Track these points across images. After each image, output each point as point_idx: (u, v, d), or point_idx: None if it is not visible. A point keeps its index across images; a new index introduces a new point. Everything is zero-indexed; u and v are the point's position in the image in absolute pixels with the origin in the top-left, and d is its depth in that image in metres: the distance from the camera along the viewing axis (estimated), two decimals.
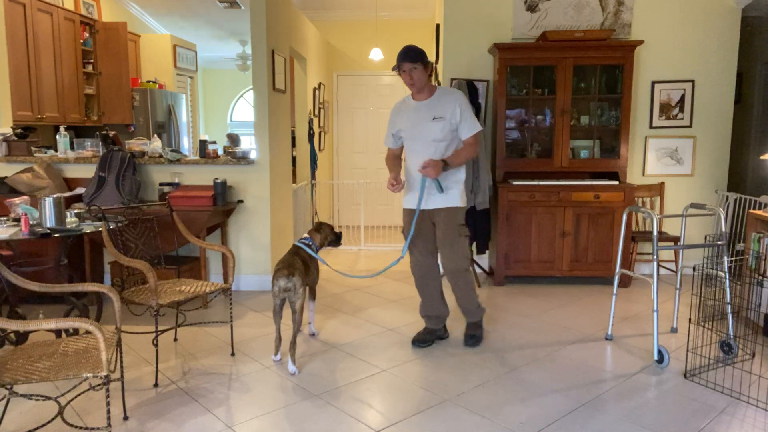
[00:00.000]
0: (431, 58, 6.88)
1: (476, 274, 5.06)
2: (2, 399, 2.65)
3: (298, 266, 3.19)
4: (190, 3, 7.06)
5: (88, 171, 4.60)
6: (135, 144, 4.70)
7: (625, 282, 4.86)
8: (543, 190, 4.72)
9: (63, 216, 3.33)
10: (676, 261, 5.00)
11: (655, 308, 3.22)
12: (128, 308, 4.14)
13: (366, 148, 8.03)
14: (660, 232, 5.09)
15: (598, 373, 3.14)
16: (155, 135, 5.97)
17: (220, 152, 4.79)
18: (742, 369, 3.19)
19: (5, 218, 3.52)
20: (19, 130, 4.64)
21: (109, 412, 2.26)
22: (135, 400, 2.82)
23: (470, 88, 4.72)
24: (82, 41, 5.83)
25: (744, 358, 3.34)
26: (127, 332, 3.74)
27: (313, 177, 6.87)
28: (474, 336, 3.55)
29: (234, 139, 5.07)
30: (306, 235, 3.55)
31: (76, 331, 3.36)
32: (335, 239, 3.66)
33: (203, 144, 4.67)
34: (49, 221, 3.27)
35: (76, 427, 2.54)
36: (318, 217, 7.15)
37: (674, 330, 3.80)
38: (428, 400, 2.83)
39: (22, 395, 2.75)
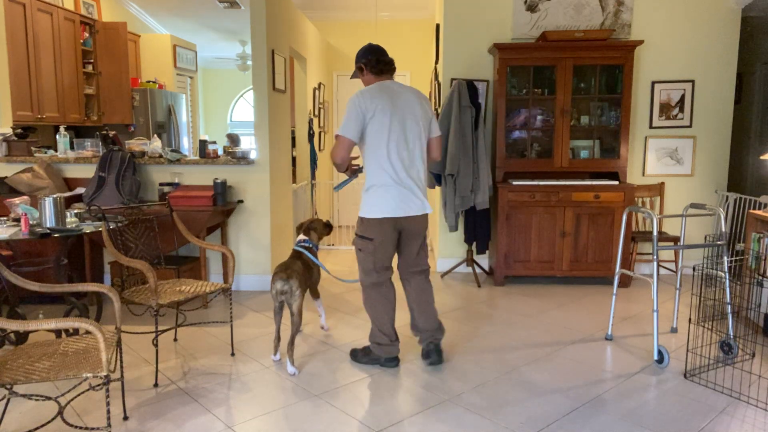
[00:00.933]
0: (431, 57, 6.91)
1: (476, 274, 5.06)
2: (2, 399, 2.66)
3: (296, 269, 3.20)
4: (190, 3, 7.06)
5: (88, 171, 4.61)
6: (135, 144, 4.70)
7: (625, 282, 4.86)
8: (543, 190, 4.72)
9: (63, 216, 3.33)
10: (676, 261, 5.00)
11: (655, 308, 3.22)
12: (128, 308, 4.15)
13: None
14: (660, 232, 5.09)
15: (598, 373, 3.14)
16: (155, 135, 5.97)
17: (220, 152, 4.79)
18: (742, 369, 3.19)
19: (5, 218, 3.52)
20: (19, 130, 4.64)
21: (109, 412, 2.26)
22: (135, 400, 2.82)
23: (470, 88, 4.72)
24: (82, 41, 5.83)
25: (744, 358, 3.34)
26: (127, 332, 3.74)
27: (313, 177, 6.87)
28: (354, 353, 3.35)
29: (234, 139, 5.08)
30: (303, 237, 3.55)
31: (76, 331, 3.36)
32: (328, 230, 3.72)
33: (203, 144, 4.67)
34: (49, 221, 3.27)
35: (76, 427, 2.54)
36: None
37: (674, 330, 3.80)
38: (428, 400, 2.83)
39: (22, 395, 2.76)
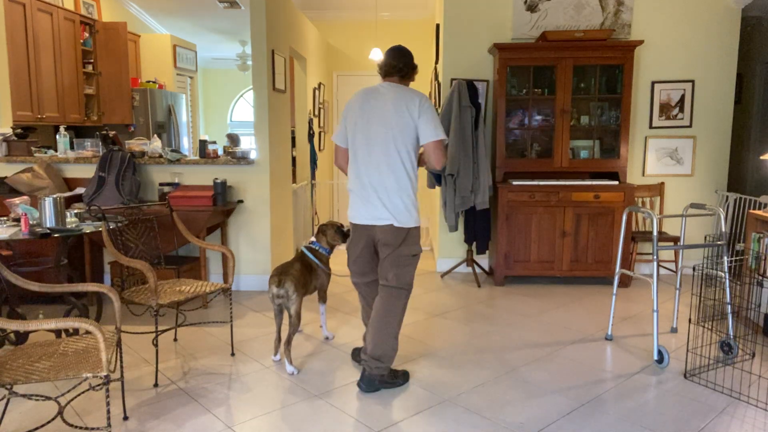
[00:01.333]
0: (431, 57, 6.92)
1: (476, 274, 5.06)
2: (2, 399, 2.65)
3: (293, 272, 3.19)
4: (190, 3, 7.06)
5: (88, 171, 4.61)
6: (135, 144, 4.70)
7: (625, 282, 4.86)
8: (543, 190, 4.72)
9: (63, 216, 3.33)
10: (676, 261, 5.00)
11: (655, 308, 3.22)
12: (128, 308, 4.15)
13: None
14: (660, 232, 5.09)
15: (598, 373, 3.14)
16: (155, 135, 5.97)
17: (220, 152, 4.79)
18: (742, 369, 3.19)
19: (5, 218, 3.52)
20: (19, 130, 4.64)
21: (109, 412, 2.26)
22: (135, 400, 2.82)
23: (470, 88, 4.72)
24: (82, 41, 5.83)
25: (744, 358, 3.34)
26: (127, 332, 3.74)
27: (313, 177, 6.87)
28: (356, 352, 3.36)
29: (234, 139, 5.08)
30: (313, 239, 3.55)
31: (76, 331, 3.36)
32: (341, 237, 3.53)
33: (203, 144, 4.67)
34: (49, 221, 3.27)
35: (76, 427, 2.54)
36: (318, 218, 7.15)
37: (674, 330, 3.80)
38: (428, 400, 2.83)
39: (22, 395, 2.75)
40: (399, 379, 3.02)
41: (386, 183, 2.87)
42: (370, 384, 2.94)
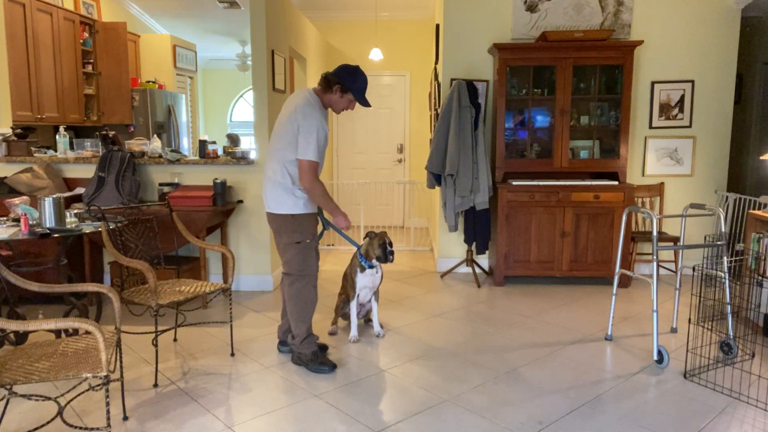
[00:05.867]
0: (431, 57, 6.92)
1: (476, 274, 5.06)
2: (2, 399, 2.66)
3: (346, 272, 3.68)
4: (190, 3, 7.06)
5: (87, 171, 4.61)
6: (135, 144, 4.70)
7: (625, 282, 4.86)
8: (543, 190, 4.72)
9: (63, 216, 3.33)
10: (675, 261, 5.00)
11: (654, 308, 3.22)
12: (128, 308, 4.15)
13: (366, 148, 8.03)
14: (660, 233, 5.09)
15: (598, 373, 3.14)
16: (155, 135, 5.97)
17: (220, 152, 4.79)
18: (741, 369, 3.19)
19: (5, 218, 3.52)
20: (18, 130, 4.64)
21: (108, 412, 2.26)
22: (134, 400, 2.82)
23: (470, 88, 4.72)
24: (81, 41, 5.84)
25: (744, 358, 3.35)
26: (127, 332, 3.74)
27: None
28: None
29: (234, 140, 5.07)
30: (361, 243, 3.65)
31: (75, 332, 3.36)
32: (382, 255, 3.51)
33: (203, 144, 4.67)
34: (49, 221, 3.27)
35: (76, 427, 2.54)
36: None
37: (674, 330, 3.80)
38: (428, 400, 2.83)
39: (21, 395, 2.75)
40: (321, 365, 3.16)
41: (269, 173, 3.14)
42: (294, 359, 3.27)
